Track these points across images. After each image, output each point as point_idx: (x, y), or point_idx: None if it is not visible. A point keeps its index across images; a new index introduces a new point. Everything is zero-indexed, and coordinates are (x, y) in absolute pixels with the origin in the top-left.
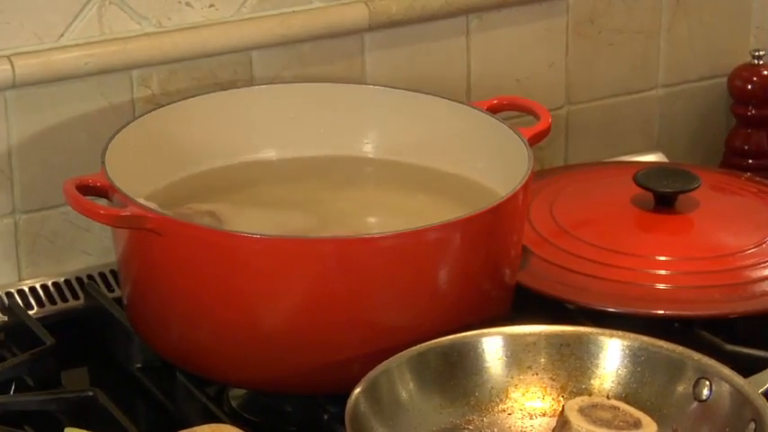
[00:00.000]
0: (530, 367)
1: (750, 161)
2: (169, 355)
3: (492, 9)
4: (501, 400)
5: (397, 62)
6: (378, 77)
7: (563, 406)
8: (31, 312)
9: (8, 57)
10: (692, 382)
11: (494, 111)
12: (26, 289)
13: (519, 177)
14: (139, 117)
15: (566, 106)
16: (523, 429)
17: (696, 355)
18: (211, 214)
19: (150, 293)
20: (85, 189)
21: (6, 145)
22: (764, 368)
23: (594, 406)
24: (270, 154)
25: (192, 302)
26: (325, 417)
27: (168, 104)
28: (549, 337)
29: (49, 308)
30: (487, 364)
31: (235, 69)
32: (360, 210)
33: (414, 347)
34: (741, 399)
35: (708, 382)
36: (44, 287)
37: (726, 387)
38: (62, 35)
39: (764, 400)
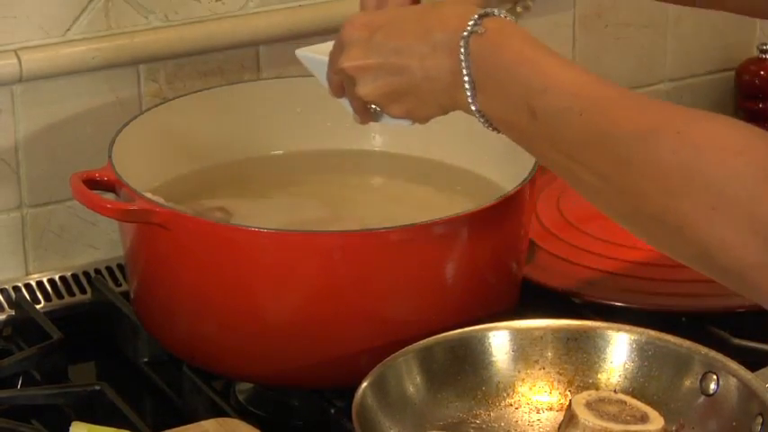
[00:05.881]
0: (537, 361)
1: None
2: (176, 349)
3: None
4: (508, 395)
5: None
6: None
7: (570, 400)
8: (38, 306)
9: (15, 51)
10: (700, 377)
11: None
12: (33, 283)
13: (526, 171)
14: (146, 111)
15: None
16: (530, 424)
17: (703, 350)
18: (222, 209)
19: (157, 288)
20: (92, 183)
21: (13, 139)
22: None
23: (602, 400)
24: (277, 148)
25: (199, 297)
26: (332, 411)
27: (175, 99)
28: (555, 331)
29: (56, 302)
30: (494, 359)
31: (242, 63)
32: (367, 203)
33: (421, 341)
34: (748, 393)
35: (715, 377)
36: (51, 281)
37: (733, 381)
38: (69, 29)
39: None
